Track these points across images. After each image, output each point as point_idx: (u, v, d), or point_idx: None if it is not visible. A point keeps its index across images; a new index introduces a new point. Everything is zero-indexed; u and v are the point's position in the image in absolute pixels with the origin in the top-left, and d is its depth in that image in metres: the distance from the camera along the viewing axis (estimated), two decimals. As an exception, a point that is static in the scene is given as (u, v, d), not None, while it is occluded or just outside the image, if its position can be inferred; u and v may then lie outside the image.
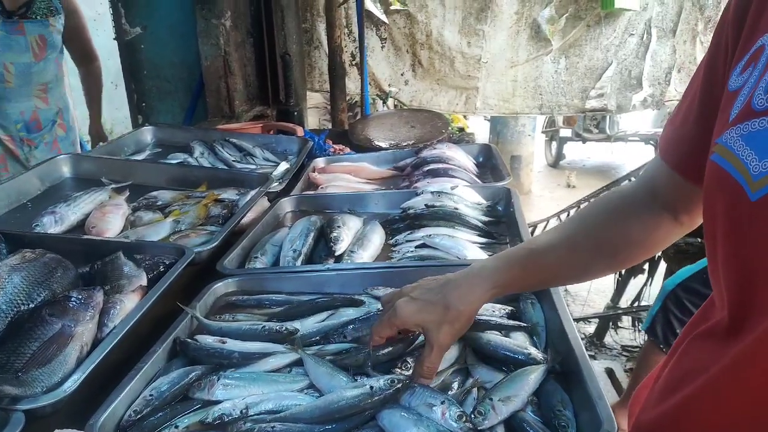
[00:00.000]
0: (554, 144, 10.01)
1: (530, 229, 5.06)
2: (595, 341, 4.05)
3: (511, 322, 1.09)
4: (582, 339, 3.99)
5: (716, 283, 0.60)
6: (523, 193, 8.60)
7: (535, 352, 0.99)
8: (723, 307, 0.58)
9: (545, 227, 4.94)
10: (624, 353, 3.94)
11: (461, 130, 5.35)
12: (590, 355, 3.83)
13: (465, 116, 6.10)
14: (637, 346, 3.91)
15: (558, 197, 8.31)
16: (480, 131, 8.86)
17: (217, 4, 2.91)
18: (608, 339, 4.07)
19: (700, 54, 3.53)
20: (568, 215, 4.69)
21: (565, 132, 9.61)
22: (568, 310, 1.08)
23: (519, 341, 1.05)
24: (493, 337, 1.04)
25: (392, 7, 3.60)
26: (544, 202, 8.25)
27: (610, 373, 3.44)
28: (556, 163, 10.07)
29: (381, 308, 1.14)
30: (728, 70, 0.59)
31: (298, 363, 1.02)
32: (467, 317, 0.90)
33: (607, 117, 8.41)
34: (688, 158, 0.69)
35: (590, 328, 4.24)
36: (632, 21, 3.48)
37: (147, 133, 2.42)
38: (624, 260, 0.92)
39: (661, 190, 0.80)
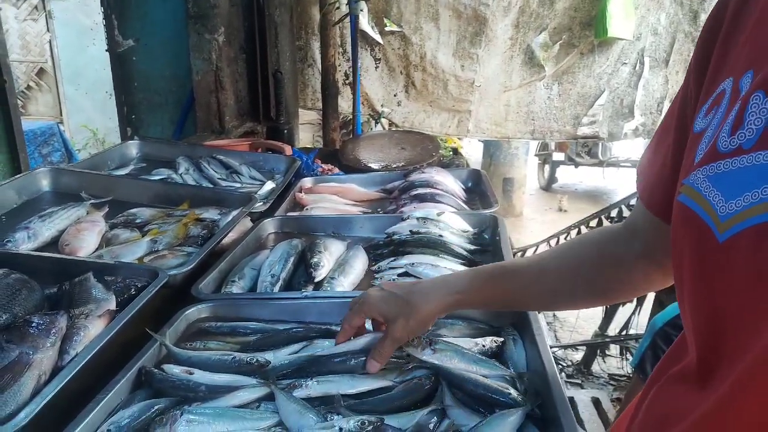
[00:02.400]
0: (547, 167, 10.06)
1: (518, 255, 5.07)
2: (583, 369, 4.01)
3: (492, 363, 1.05)
4: (569, 366, 3.98)
5: (686, 325, 0.59)
6: (515, 215, 8.61)
7: (515, 394, 0.96)
8: (692, 349, 0.57)
9: (534, 253, 4.93)
10: (611, 382, 3.90)
11: (455, 150, 5.35)
12: (577, 384, 3.81)
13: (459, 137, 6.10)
14: (624, 376, 3.87)
15: (549, 221, 8.32)
16: (474, 152, 8.91)
17: (210, 19, 2.90)
18: (596, 367, 4.03)
19: (692, 85, 3.54)
20: (558, 242, 4.68)
21: (558, 155, 9.67)
22: (549, 350, 1.04)
23: (497, 380, 1.01)
24: (472, 374, 1.01)
25: (387, 28, 3.60)
26: (536, 226, 8.25)
27: (596, 402, 3.40)
28: (548, 186, 10.12)
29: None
30: (694, 112, 0.60)
31: (268, 397, 0.98)
32: (424, 315, 0.94)
33: (599, 142, 8.48)
34: (669, 202, 0.67)
35: (578, 356, 4.21)
36: (625, 50, 3.50)
37: (132, 147, 2.39)
38: (598, 298, 0.93)
39: (643, 234, 0.78)
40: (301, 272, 1.47)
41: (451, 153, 5.00)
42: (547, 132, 3.70)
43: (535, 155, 9.90)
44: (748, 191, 0.48)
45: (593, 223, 4.43)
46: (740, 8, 0.58)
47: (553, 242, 4.75)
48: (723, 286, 0.50)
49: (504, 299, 0.96)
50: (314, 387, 0.98)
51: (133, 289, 1.22)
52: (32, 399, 0.88)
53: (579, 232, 4.49)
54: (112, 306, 1.13)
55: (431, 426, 0.91)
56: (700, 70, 0.62)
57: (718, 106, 0.55)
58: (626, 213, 4.63)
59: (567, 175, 10.29)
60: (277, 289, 1.39)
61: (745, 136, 0.50)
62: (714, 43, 0.60)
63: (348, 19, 3.37)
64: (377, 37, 3.63)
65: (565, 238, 4.65)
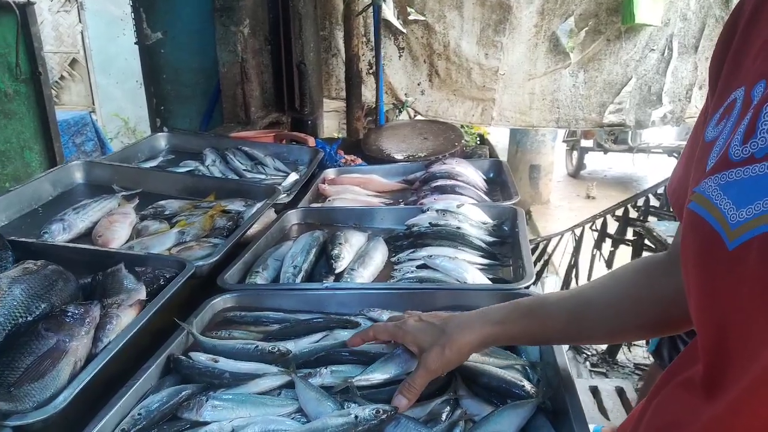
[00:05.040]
0: (575, 154, 9.91)
1: (543, 244, 5.04)
2: (608, 358, 4.00)
3: (505, 353, 1.08)
4: (594, 355, 3.96)
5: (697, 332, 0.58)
6: (542, 203, 8.54)
7: (528, 386, 0.98)
8: (700, 356, 0.56)
9: (558, 242, 4.89)
10: (637, 372, 3.88)
11: (481, 136, 5.32)
12: (602, 373, 3.80)
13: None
14: (649, 365, 3.85)
15: (576, 208, 8.23)
16: (501, 138, 8.82)
17: (236, 11, 2.94)
18: (621, 356, 4.01)
19: (722, 71, 3.46)
20: (583, 229, 4.63)
21: (587, 142, 9.51)
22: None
23: (511, 372, 1.03)
24: (486, 366, 1.03)
25: (410, 17, 3.60)
26: (563, 213, 8.18)
27: (620, 392, 3.40)
28: (576, 173, 9.98)
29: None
30: (706, 121, 0.60)
31: (289, 385, 1.02)
32: (460, 345, 0.91)
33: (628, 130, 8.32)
34: None
35: (603, 345, 4.18)
36: (653, 36, 3.43)
37: (161, 139, 2.46)
38: (649, 329, 0.88)
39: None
40: (323, 264, 1.52)
41: (477, 139, 4.97)
42: (572, 120, 3.66)
43: (563, 141, 9.76)
44: (759, 200, 0.48)
45: (619, 212, 4.38)
46: (754, 17, 0.57)
47: (577, 231, 4.70)
48: (731, 294, 0.50)
49: (548, 331, 0.92)
50: (328, 377, 1.02)
51: (161, 280, 1.28)
52: (69, 383, 0.94)
53: (604, 221, 4.44)
54: (143, 296, 1.19)
55: (444, 415, 0.94)
56: (713, 80, 0.62)
57: (729, 115, 0.55)
58: (654, 202, 4.57)
59: (596, 162, 10.13)
60: (299, 280, 1.44)
61: (757, 145, 0.50)
62: (727, 52, 0.60)
63: (371, 8, 3.38)
64: (400, 26, 3.63)
65: (590, 227, 4.60)
